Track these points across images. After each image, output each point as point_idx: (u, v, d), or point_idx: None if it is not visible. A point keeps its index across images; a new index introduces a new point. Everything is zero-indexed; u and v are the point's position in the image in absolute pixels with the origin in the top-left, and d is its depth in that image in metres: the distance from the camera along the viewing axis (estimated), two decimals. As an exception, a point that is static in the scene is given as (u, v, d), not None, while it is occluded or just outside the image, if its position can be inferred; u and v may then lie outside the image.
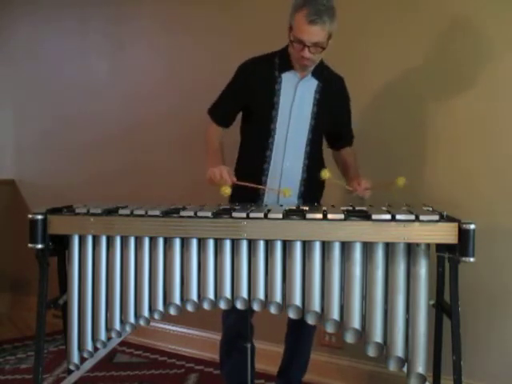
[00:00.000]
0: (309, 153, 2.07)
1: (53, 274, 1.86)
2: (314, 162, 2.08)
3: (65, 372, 1.95)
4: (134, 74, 3.32)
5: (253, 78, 2.05)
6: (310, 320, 1.65)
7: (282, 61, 2.04)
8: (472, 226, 1.49)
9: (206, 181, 1.94)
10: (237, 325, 2.06)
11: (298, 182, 2.08)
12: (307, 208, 1.76)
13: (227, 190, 1.86)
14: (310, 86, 2.05)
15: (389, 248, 1.60)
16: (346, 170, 2.18)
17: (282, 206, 1.89)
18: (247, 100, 2.07)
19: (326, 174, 1.89)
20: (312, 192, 2.11)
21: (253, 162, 2.07)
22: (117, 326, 1.79)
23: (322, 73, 2.07)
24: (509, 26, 2.19)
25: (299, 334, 2.21)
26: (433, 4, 2.35)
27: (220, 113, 2.14)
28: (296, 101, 2.03)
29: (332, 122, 2.12)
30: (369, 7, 2.50)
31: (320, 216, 1.61)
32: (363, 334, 1.60)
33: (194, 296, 1.72)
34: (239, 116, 2.16)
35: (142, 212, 1.73)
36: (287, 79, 2.04)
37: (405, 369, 1.59)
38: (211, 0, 2.98)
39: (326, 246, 1.62)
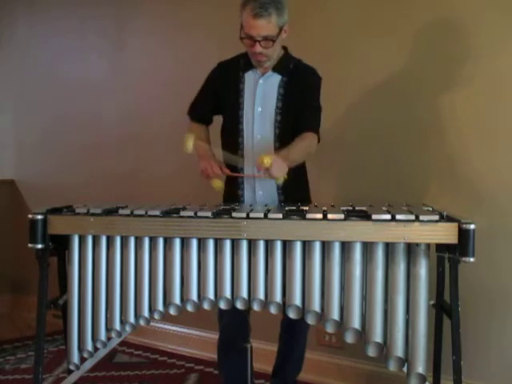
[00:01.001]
0: (279, 148, 1.99)
1: (53, 274, 1.86)
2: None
3: (65, 372, 1.95)
4: (133, 73, 3.32)
5: (220, 80, 2.11)
6: (310, 320, 1.65)
7: (245, 61, 2.06)
8: (472, 226, 1.49)
9: (200, 175, 1.99)
10: (231, 325, 2.06)
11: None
12: (307, 208, 1.76)
13: (219, 184, 1.88)
14: (273, 81, 2.04)
15: (389, 248, 1.59)
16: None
17: (282, 205, 1.89)
18: (217, 101, 2.12)
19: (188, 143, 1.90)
20: (292, 185, 2.02)
21: (230, 163, 2.07)
22: (117, 326, 1.79)
23: (287, 67, 2.05)
24: (505, 21, 2.19)
25: (293, 334, 2.21)
26: (429, 2, 2.36)
27: (196, 112, 2.19)
28: (257, 98, 2.03)
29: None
30: (365, 4, 2.50)
31: (320, 216, 1.61)
32: (363, 334, 1.60)
33: (194, 296, 1.72)
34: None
35: (141, 212, 1.73)
36: (249, 78, 2.06)
37: (405, 369, 1.59)
38: None
39: (325, 246, 1.62)
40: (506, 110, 2.20)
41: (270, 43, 1.90)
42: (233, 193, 2.09)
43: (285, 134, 2.02)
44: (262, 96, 2.04)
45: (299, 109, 2.03)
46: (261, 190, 2.05)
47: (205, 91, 2.17)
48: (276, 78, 2.04)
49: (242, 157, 2.05)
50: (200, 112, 2.18)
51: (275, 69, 2.04)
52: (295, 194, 2.05)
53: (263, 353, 2.46)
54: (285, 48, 2.08)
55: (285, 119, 2.03)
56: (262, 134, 2.03)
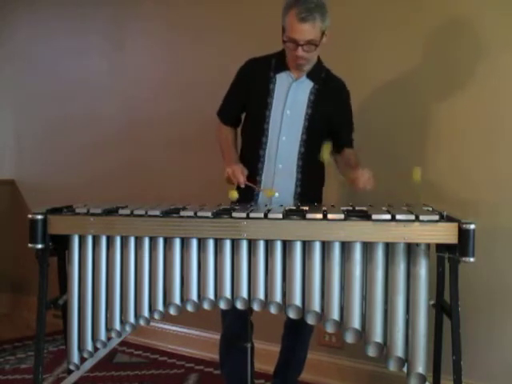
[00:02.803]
0: (303, 154, 2.05)
1: (53, 274, 1.86)
2: (309, 164, 2.06)
3: (65, 372, 1.94)
4: (133, 73, 3.32)
5: (250, 78, 2.10)
6: (310, 320, 1.65)
7: (277, 62, 2.06)
8: (472, 226, 1.49)
9: (225, 179, 2.00)
10: (234, 324, 2.06)
11: (292, 182, 2.07)
12: (307, 208, 1.76)
13: (234, 194, 1.89)
14: (305, 87, 2.05)
15: (389, 248, 1.59)
16: (346, 165, 2.11)
17: (282, 205, 1.89)
18: (245, 99, 2.11)
19: (325, 153, 1.92)
20: (309, 192, 2.09)
21: (248, 161, 2.08)
22: (117, 325, 1.79)
23: (320, 75, 2.06)
24: (509, 23, 2.19)
25: (296, 335, 2.22)
26: (435, 3, 2.36)
27: (225, 113, 2.19)
28: (288, 101, 2.03)
29: (329, 124, 2.09)
30: (372, 5, 2.50)
31: (320, 216, 1.61)
32: (363, 334, 1.60)
33: (194, 296, 1.72)
34: None
35: (141, 212, 1.73)
36: (281, 80, 2.05)
37: (405, 369, 1.59)
38: (211, 0, 2.98)
39: (326, 246, 1.62)
40: (508, 109, 2.20)
41: (313, 47, 1.91)
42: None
43: (310, 141, 2.05)
44: (293, 100, 2.04)
45: (340, 123, 2.11)
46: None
47: (234, 90, 2.16)
48: (308, 85, 2.05)
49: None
50: (229, 112, 2.18)
51: (309, 75, 2.04)
52: (310, 189, 2.09)
53: (264, 353, 2.46)
54: (318, 56, 2.07)
55: (312, 126, 2.05)
56: (288, 137, 2.04)
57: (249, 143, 2.12)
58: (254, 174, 2.06)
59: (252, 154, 2.08)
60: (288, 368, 2.27)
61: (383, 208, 1.72)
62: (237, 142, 2.19)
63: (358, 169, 1.97)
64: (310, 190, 2.10)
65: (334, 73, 2.11)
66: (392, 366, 1.59)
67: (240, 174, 1.96)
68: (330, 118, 2.08)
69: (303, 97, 2.05)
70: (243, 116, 2.19)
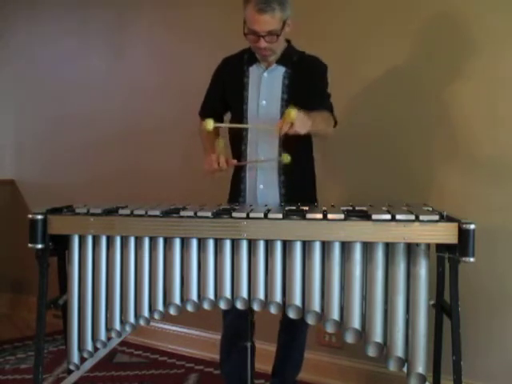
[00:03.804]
0: (284, 142, 1.99)
1: (53, 274, 1.86)
2: (292, 152, 1.97)
3: (65, 372, 1.94)
4: (133, 75, 3.32)
5: (225, 75, 2.13)
6: (310, 320, 1.65)
7: (249, 56, 2.08)
8: (472, 226, 1.49)
9: (205, 172, 2.00)
10: (235, 324, 2.06)
11: (275, 172, 2.03)
12: (307, 208, 1.76)
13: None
14: (277, 74, 2.05)
15: (389, 248, 1.59)
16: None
17: (281, 205, 1.89)
18: (223, 96, 2.13)
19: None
20: (294, 180, 2.04)
21: (234, 157, 2.08)
22: (117, 326, 1.79)
23: (291, 59, 2.05)
24: (506, 18, 2.20)
25: (292, 334, 2.21)
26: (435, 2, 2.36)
27: (206, 111, 2.20)
28: (262, 92, 2.04)
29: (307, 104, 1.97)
30: (370, 3, 2.51)
31: (320, 216, 1.61)
32: (363, 334, 1.60)
33: (194, 296, 1.71)
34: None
35: (142, 212, 1.73)
36: (253, 72, 2.07)
37: (405, 369, 1.58)
38: (211, 4, 2.98)
39: (326, 246, 1.62)
40: (508, 107, 2.20)
41: (275, 38, 1.91)
42: (235, 186, 2.11)
43: None
44: (266, 89, 2.04)
45: (309, 96, 2.00)
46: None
47: (212, 89, 2.19)
48: (280, 71, 2.05)
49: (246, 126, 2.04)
50: (209, 111, 2.18)
51: (279, 61, 2.05)
52: (299, 192, 2.04)
53: (264, 353, 2.45)
54: (288, 41, 2.08)
55: None
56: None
57: (233, 140, 2.13)
58: (240, 170, 2.08)
59: (235, 150, 2.10)
60: (285, 367, 2.27)
61: (383, 208, 1.71)
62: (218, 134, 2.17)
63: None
64: (296, 178, 2.04)
65: (308, 53, 2.09)
66: (392, 366, 1.59)
67: (212, 162, 1.94)
68: (308, 94, 2.01)
69: (277, 84, 2.04)
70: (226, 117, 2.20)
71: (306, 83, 2.03)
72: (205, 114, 2.19)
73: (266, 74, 2.05)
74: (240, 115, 2.07)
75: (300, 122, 1.80)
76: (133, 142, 3.31)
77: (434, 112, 2.36)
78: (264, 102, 2.04)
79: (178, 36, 3.12)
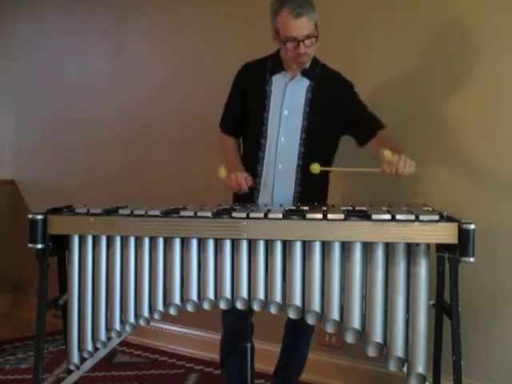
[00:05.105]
0: (303, 153, 2.04)
1: (53, 274, 1.86)
2: (310, 163, 1.98)
3: (65, 372, 1.95)
4: (133, 73, 3.31)
5: (246, 82, 2.11)
6: (310, 320, 1.65)
7: (273, 64, 2.07)
8: (472, 226, 1.49)
9: (228, 187, 2.00)
10: (234, 324, 2.06)
11: (292, 182, 2.06)
12: (307, 208, 1.76)
13: (222, 172, 1.90)
14: (301, 85, 2.05)
15: (389, 248, 1.60)
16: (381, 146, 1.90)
17: (281, 205, 1.89)
18: (244, 104, 2.11)
19: (315, 168, 1.88)
20: (309, 191, 2.07)
21: (248, 163, 2.09)
22: (117, 325, 1.79)
23: (314, 71, 2.05)
24: (507, 22, 2.19)
25: (297, 336, 2.22)
26: (434, 3, 2.36)
27: (226, 122, 2.20)
28: (285, 102, 2.04)
29: (332, 121, 2.05)
30: (372, 5, 2.50)
31: (320, 216, 1.61)
32: (363, 333, 1.60)
33: (194, 296, 1.72)
34: None
35: (142, 212, 1.73)
36: (277, 81, 2.06)
37: (405, 369, 1.59)
38: (212, 0, 2.98)
39: (325, 246, 1.62)
40: (509, 109, 2.20)
41: (313, 40, 1.91)
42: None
43: (310, 139, 2.04)
44: (290, 99, 2.04)
45: (353, 116, 2.04)
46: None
47: (233, 97, 2.17)
48: (304, 83, 2.05)
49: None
50: (231, 123, 2.19)
51: (304, 73, 2.04)
52: (311, 189, 2.06)
53: (264, 353, 2.46)
54: None
55: (311, 124, 2.04)
56: (287, 137, 2.04)
57: (249, 146, 2.13)
58: (254, 176, 2.06)
59: (252, 157, 2.09)
60: (288, 368, 2.27)
61: (383, 208, 1.72)
62: (240, 152, 2.19)
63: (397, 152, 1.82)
64: (311, 189, 2.07)
65: (329, 66, 2.10)
66: (392, 366, 1.59)
67: (243, 181, 1.95)
68: (335, 113, 2.04)
69: (300, 96, 2.04)
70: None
71: (330, 102, 2.03)
72: (226, 126, 2.20)
73: (291, 84, 2.04)
74: (260, 123, 2.06)
75: (403, 163, 1.78)
76: (133, 143, 3.30)
77: (434, 113, 2.36)
78: (286, 111, 2.04)
79: (179, 33, 3.12)
